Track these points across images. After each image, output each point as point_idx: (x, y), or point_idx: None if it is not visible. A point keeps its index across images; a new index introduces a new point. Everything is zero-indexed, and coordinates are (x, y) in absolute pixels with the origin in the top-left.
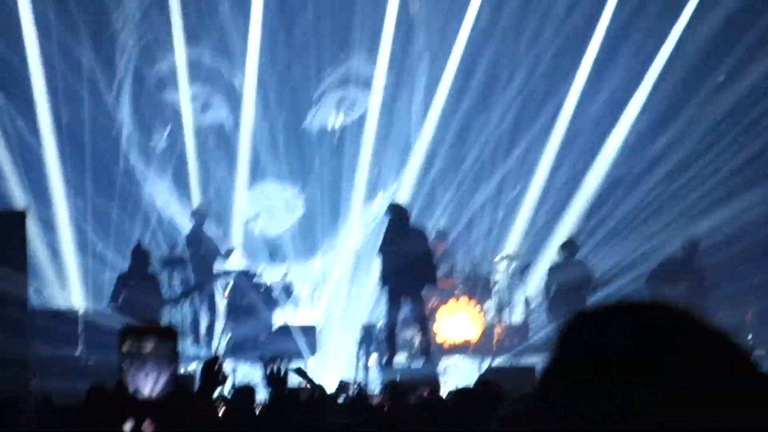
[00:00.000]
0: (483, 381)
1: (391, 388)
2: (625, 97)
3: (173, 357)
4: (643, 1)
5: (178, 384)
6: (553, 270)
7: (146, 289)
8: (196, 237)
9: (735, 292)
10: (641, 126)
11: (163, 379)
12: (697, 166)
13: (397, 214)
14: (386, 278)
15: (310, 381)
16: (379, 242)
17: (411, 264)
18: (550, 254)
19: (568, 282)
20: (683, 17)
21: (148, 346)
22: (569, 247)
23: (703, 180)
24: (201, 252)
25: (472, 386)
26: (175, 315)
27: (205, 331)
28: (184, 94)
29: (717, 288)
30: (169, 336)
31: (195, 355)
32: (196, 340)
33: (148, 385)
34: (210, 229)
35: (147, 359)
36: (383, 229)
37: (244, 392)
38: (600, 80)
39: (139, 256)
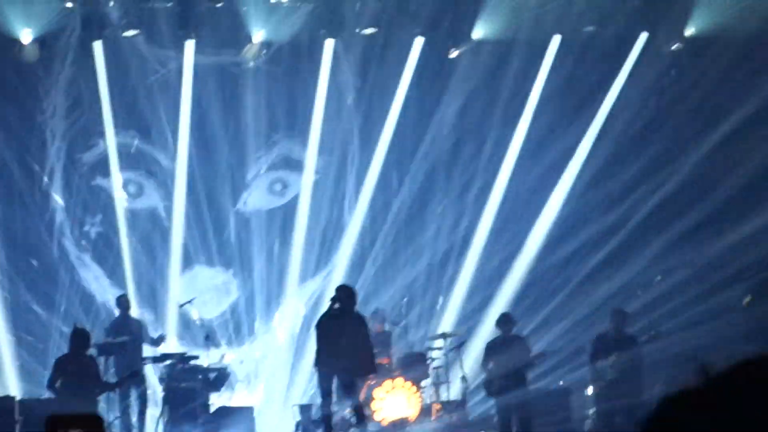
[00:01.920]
0: None
1: None
2: (556, 175)
3: None
4: (574, 72)
5: None
6: (491, 346)
7: (84, 374)
8: (120, 324)
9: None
10: (574, 202)
11: None
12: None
13: (342, 296)
14: (323, 361)
15: None
16: (320, 323)
17: (351, 351)
18: (485, 331)
19: (505, 357)
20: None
21: None
22: (505, 321)
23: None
24: (131, 338)
25: None
26: (112, 401)
27: (141, 417)
28: (117, 180)
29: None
30: (95, 426)
31: None
32: (135, 425)
33: None
34: (141, 315)
35: None
36: (327, 310)
37: None
38: (532, 157)
39: (77, 339)
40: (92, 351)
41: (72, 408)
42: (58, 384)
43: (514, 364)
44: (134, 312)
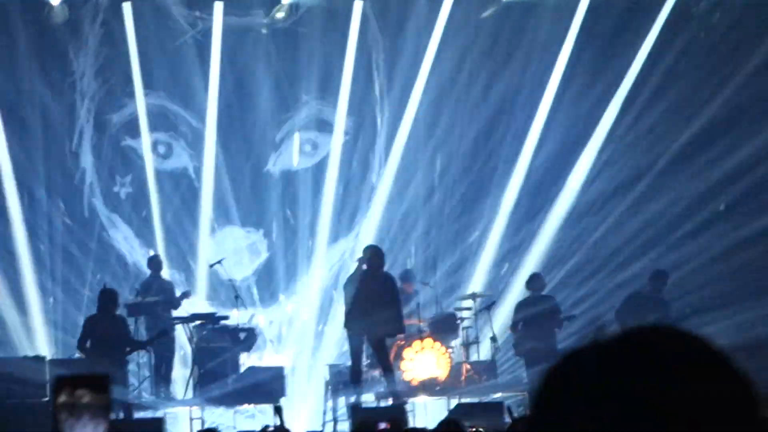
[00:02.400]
0: (446, 421)
1: (359, 427)
2: (585, 137)
3: (109, 407)
4: (603, 33)
5: None
6: (520, 305)
7: (113, 333)
8: (151, 284)
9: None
10: (605, 156)
11: (100, 430)
12: (661, 198)
13: (370, 257)
14: (352, 320)
15: (282, 424)
16: (349, 283)
17: (379, 311)
18: (515, 291)
19: (534, 317)
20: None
21: (84, 396)
22: (535, 281)
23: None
24: (160, 298)
25: (436, 426)
26: (142, 360)
27: (172, 376)
28: (146, 141)
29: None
30: (104, 385)
31: (163, 399)
32: (164, 384)
33: None
34: (171, 276)
35: (83, 409)
36: (355, 270)
37: None
38: (561, 115)
39: (105, 299)
40: (122, 311)
41: (101, 368)
42: (87, 344)
43: (543, 324)
44: (164, 273)
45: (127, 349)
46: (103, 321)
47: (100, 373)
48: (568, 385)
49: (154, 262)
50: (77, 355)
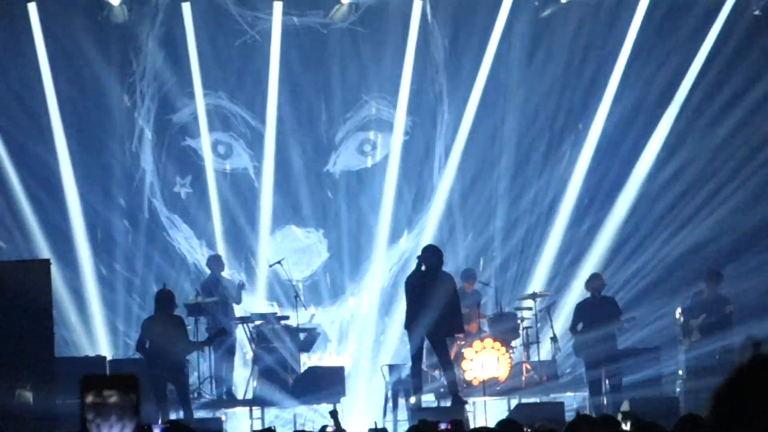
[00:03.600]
0: (506, 421)
1: (418, 427)
2: (647, 135)
3: (137, 408)
4: (662, 32)
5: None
6: (580, 306)
7: (172, 334)
8: (211, 284)
9: None
10: (668, 153)
11: (127, 431)
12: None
13: (429, 257)
14: (413, 321)
15: (338, 426)
16: (409, 283)
17: (439, 311)
18: (576, 291)
19: (594, 319)
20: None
21: (112, 396)
22: (594, 281)
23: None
24: (221, 298)
25: (495, 426)
26: (201, 360)
27: (233, 376)
28: (206, 141)
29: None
30: (132, 385)
31: (223, 399)
32: (225, 384)
33: None
34: (231, 276)
35: (111, 410)
36: (414, 270)
37: None
38: (622, 113)
39: (163, 299)
40: (181, 311)
41: (161, 368)
42: (147, 345)
43: (603, 326)
44: (225, 272)
45: (185, 350)
46: (161, 322)
47: (128, 374)
48: (748, 402)
49: (216, 262)
50: (136, 356)
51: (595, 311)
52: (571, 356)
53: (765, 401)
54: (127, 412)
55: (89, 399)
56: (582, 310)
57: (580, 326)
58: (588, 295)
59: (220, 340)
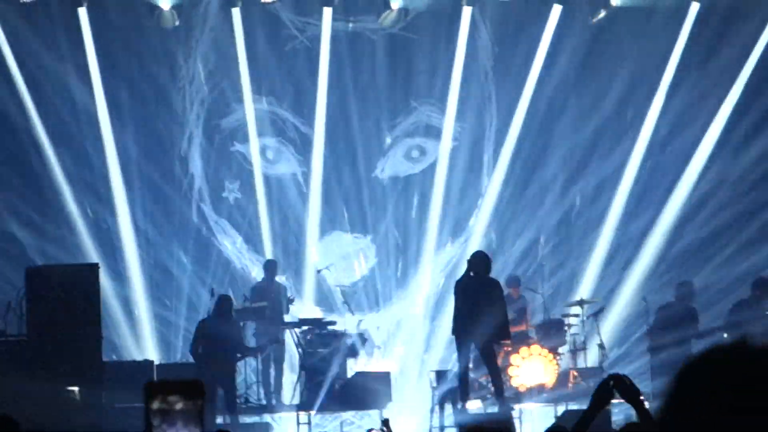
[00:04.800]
0: (553, 428)
1: None
2: (696, 142)
3: (202, 413)
4: (712, 41)
5: None
6: (664, 307)
7: (228, 338)
8: (264, 289)
9: None
10: (716, 161)
11: None
12: None
13: (477, 263)
14: (460, 327)
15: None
16: (457, 289)
17: (486, 317)
18: (623, 298)
19: (673, 320)
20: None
21: (177, 402)
22: (685, 287)
23: None
24: (271, 303)
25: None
26: (250, 365)
27: (280, 381)
28: (255, 146)
29: None
30: (197, 391)
31: (271, 404)
32: (273, 389)
33: None
34: (281, 280)
35: (176, 417)
36: (462, 276)
37: None
38: (672, 119)
39: (220, 304)
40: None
41: (210, 373)
42: (200, 349)
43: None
44: (278, 278)
45: (239, 354)
46: (218, 326)
47: (193, 380)
48: (703, 385)
49: (271, 267)
50: (184, 360)
51: (674, 313)
52: (618, 363)
53: (709, 395)
54: (193, 418)
55: (155, 405)
56: (664, 310)
57: (658, 324)
58: (674, 297)
59: (272, 347)
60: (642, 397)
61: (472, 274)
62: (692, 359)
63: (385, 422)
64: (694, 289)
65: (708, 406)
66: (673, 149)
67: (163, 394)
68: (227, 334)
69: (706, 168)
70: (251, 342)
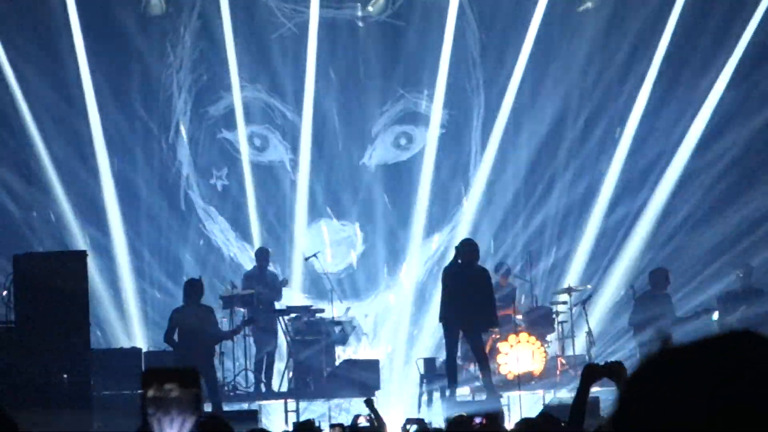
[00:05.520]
0: (542, 414)
1: (454, 422)
2: (683, 128)
3: (199, 401)
4: (700, 23)
5: (203, 429)
6: (640, 299)
7: (201, 324)
8: (256, 276)
9: None
10: (705, 152)
11: (188, 425)
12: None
13: (465, 251)
14: (447, 314)
15: (376, 416)
16: (445, 276)
17: (474, 304)
18: (611, 285)
19: (654, 313)
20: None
21: (173, 390)
22: (658, 276)
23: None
24: (260, 290)
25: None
26: (239, 351)
27: (267, 368)
28: (242, 134)
29: None
30: (194, 379)
31: (258, 391)
32: (265, 377)
33: (174, 430)
34: (274, 269)
35: (172, 404)
36: (450, 263)
37: (307, 427)
38: (660, 108)
39: (190, 290)
40: (217, 304)
41: (189, 360)
42: (175, 336)
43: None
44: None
45: (212, 341)
46: (190, 312)
47: (189, 367)
48: (656, 385)
49: (263, 255)
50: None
51: (655, 306)
52: (606, 350)
53: (662, 398)
54: (189, 406)
55: (150, 393)
56: (641, 304)
57: (637, 320)
58: (649, 288)
59: (253, 331)
60: (619, 368)
61: (459, 261)
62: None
63: (369, 402)
64: (669, 275)
65: (653, 408)
66: (660, 135)
67: (158, 382)
68: (198, 319)
69: (696, 153)
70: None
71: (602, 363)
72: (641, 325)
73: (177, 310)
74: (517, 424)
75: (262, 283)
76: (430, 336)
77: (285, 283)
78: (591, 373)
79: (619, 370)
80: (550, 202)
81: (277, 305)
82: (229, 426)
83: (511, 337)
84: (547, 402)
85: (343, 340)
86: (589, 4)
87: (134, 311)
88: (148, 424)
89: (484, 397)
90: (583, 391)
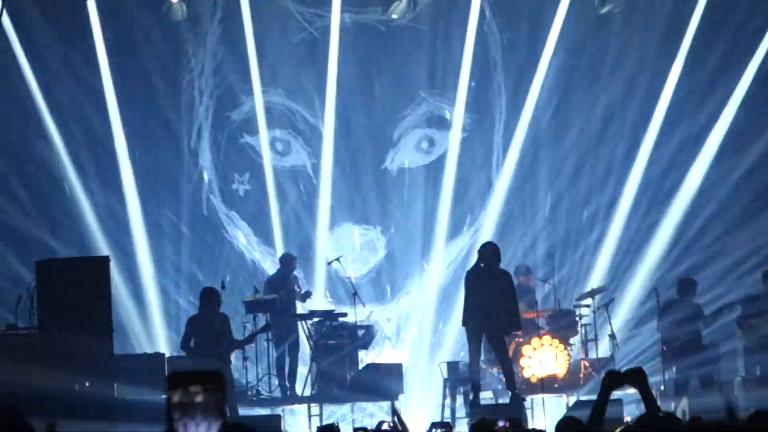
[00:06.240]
0: (566, 419)
1: (477, 425)
2: (707, 131)
3: (222, 405)
4: (722, 27)
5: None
6: (668, 306)
7: (213, 332)
8: (279, 281)
9: None
10: (725, 151)
11: (213, 429)
12: None
13: (487, 254)
14: (471, 318)
15: (400, 422)
16: (467, 280)
17: (496, 307)
18: (634, 288)
19: (682, 320)
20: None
21: (198, 394)
22: (686, 284)
23: None
24: (283, 296)
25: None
26: (262, 356)
27: (290, 372)
28: (264, 138)
29: None
30: (219, 383)
31: (281, 396)
32: (288, 382)
33: None
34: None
35: (197, 408)
36: (473, 267)
37: (330, 431)
38: (681, 109)
39: (205, 298)
40: (241, 309)
41: (209, 366)
42: (191, 343)
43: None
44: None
45: (227, 348)
46: (206, 320)
47: (215, 371)
48: None
49: (287, 261)
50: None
51: (682, 313)
52: (629, 354)
53: None
54: (214, 410)
55: (176, 397)
56: (669, 311)
57: (666, 327)
58: (677, 295)
59: (275, 336)
60: (640, 375)
61: (482, 264)
62: None
63: (396, 414)
64: (696, 285)
65: None
66: (682, 137)
67: (184, 386)
68: (214, 326)
69: (718, 156)
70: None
71: (623, 370)
72: (670, 331)
73: (193, 317)
74: None
75: (285, 289)
76: (454, 339)
77: (309, 295)
78: (612, 380)
79: (640, 377)
80: (574, 205)
81: (300, 309)
82: None
83: (534, 340)
84: (570, 405)
85: (366, 345)
86: (610, 6)
87: (157, 316)
88: (173, 428)
89: (507, 400)
90: (603, 397)
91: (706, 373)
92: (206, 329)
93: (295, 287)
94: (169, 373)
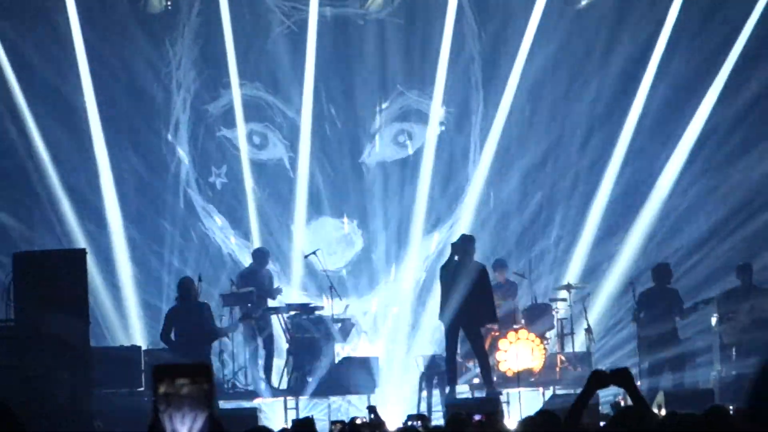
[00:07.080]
0: (542, 412)
1: (453, 419)
2: (683, 126)
3: (210, 397)
4: (702, 24)
5: (215, 425)
6: (644, 297)
7: (193, 323)
8: (251, 276)
9: None
10: (701, 149)
11: (200, 421)
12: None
13: (462, 247)
14: (447, 311)
15: (376, 416)
16: (443, 273)
17: (471, 300)
18: (610, 282)
19: (658, 309)
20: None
21: (184, 386)
22: (661, 270)
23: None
24: (257, 289)
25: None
26: (237, 349)
27: (266, 365)
28: (242, 131)
29: None
30: (205, 375)
31: (255, 389)
32: (265, 375)
33: (185, 426)
34: (268, 266)
35: (183, 400)
36: (448, 260)
37: (306, 425)
38: (659, 104)
39: (184, 287)
40: (217, 302)
41: (186, 357)
42: (171, 335)
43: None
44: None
45: (207, 338)
46: (185, 311)
47: (202, 363)
48: None
49: (259, 255)
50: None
51: (659, 301)
52: (605, 349)
53: None
54: (200, 402)
55: (162, 389)
56: (645, 299)
57: (642, 315)
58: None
59: (249, 328)
60: (627, 376)
61: (455, 258)
62: None
63: (372, 409)
64: (671, 270)
65: None
66: (660, 132)
67: (170, 378)
68: (194, 317)
69: (694, 151)
70: (239, 328)
71: (609, 370)
72: (645, 321)
73: (172, 309)
74: (519, 424)
75: (256, 283)
76: (430, 333)
77: (279, 291)
78: (598, 379)
79: (626, 378)
80: (551, 199)
81: (274, 303)
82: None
83: (511, 334)
84: (546, 399)
85: (343, 338)
86: (584, 2)
87: (133, 309)
88: (159, 420)
89: (483, 393)
90: (586, 395)
91: (679, 366)
92: (185, 319)
93: (265, 282)
94: (156, 365)
